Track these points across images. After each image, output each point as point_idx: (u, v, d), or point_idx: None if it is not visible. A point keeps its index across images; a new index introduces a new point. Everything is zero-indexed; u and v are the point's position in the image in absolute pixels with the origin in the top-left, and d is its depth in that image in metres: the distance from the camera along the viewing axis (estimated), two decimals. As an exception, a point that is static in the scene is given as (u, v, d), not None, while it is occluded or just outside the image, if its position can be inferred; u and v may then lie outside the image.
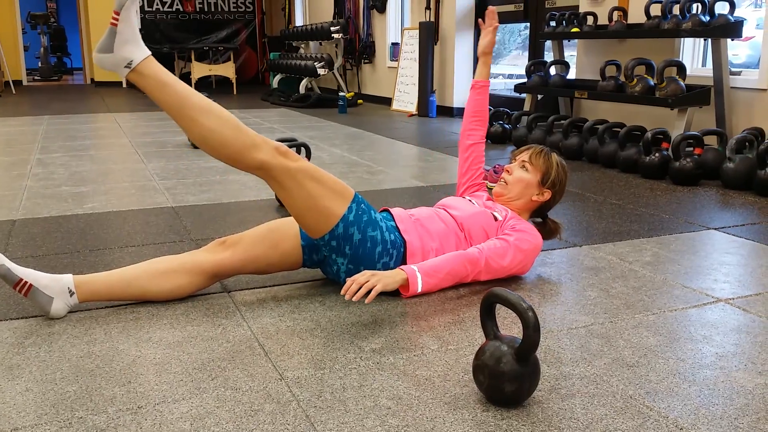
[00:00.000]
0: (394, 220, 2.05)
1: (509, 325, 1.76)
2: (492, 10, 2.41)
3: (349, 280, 1.78)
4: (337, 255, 1.93)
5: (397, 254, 1.96)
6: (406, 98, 7.77)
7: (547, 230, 2.25)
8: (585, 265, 2.28)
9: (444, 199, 2.27)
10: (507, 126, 5.15)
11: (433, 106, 7.14)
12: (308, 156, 3.84)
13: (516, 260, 2.02)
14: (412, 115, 7.33)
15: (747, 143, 3.53)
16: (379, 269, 1.93)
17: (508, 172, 2.19)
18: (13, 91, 10.31)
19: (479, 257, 1.95)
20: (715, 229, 2.73)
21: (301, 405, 1.37)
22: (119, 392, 1.43)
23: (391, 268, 1.94)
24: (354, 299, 1.75)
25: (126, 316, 1.84)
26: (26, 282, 1.76)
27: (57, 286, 1.79)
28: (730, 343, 1.67)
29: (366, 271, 1.82)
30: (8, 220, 2.87)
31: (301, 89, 8.85)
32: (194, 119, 1.79)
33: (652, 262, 2.31)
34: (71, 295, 1.81)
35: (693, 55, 4.43)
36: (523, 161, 2.18)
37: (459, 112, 7.12)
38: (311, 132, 5.89)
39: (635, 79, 4.10)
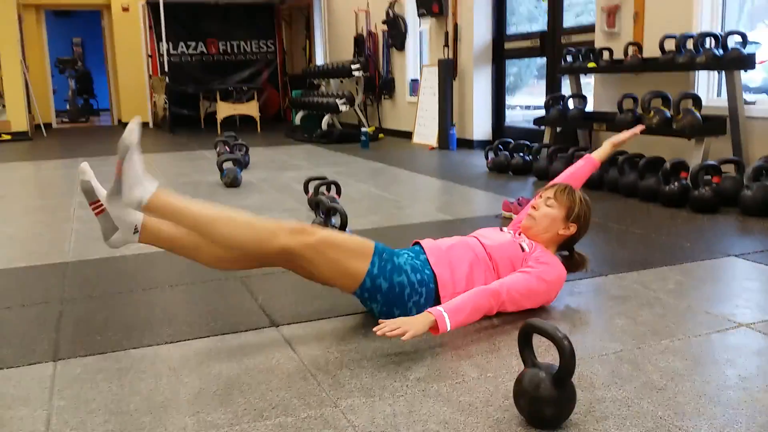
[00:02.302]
0: (425, 252, 2.18)
1: (543, 353, 1.88)
2: (642, 127, 2.94)
3: (381, 325, 1.84)
4: (371, 302, 2.07)
5: (426, 291, 2.08)
6: (426, 132, 7.96)
7: (574, 263, 2.37)
8: (611, 294, 2.39)
9: (479, 230, 2.40)
10: (527, 158, 5.29)
11: (453, 139, 7.31)
12: (338, 192, 4.01)
13: (539, 291, 2.14)
14: (433, 148, 7.50)
15: (764, 171, 3.64)
16: (410, 307, 2.05)
17: (535, 208, 2.32)
18: (44, 134, 10.65)
19: (500, 290, 2.05)
20: (736, 256, 2.83)
21: (357, 430, 1.50)
22: (189, 421, 1.57)
23: (422, 305, 2.05)
24: (386, 337, 1.82)
25: (186, 351, 1.98)
26: (101, 204, 1.91)
27: (127, 219, 1.93)
28: (752, 366, 1.77)
29: (398, 318, 1.87)
30: (62, 262, 3.04)
31: (324, 125, 9.08)
32: (211, 232, 1.98)
33: (675, 289, 2.42)
34: (134, 233, 1.94)
35: (708, 86, 4.56)
36: (549, 197, 2.31)
37: (479, 145, 7.28)
38: (337, 168, 6.07)
39: (652, 111, 4.24)
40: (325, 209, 3.19)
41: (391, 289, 2.04)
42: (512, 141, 5.53)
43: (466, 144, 7.39)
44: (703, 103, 4.41)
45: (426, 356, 1.89)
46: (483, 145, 7.28)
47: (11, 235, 3.67)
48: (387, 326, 1.84)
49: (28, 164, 7.06)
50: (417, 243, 2.27)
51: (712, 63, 4.13)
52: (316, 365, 1.86)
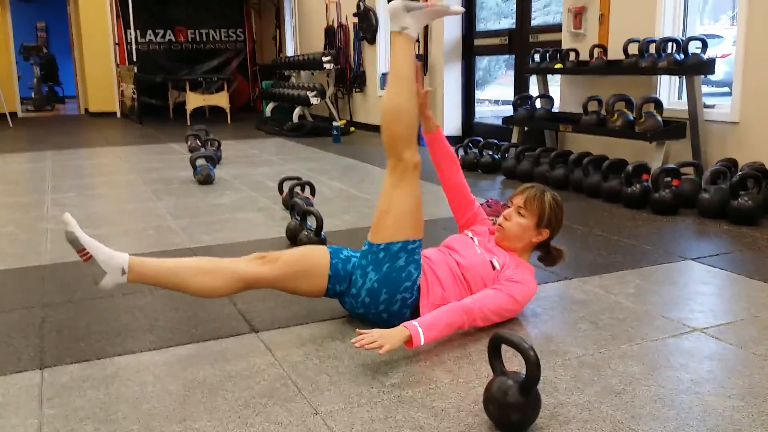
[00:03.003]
0: None
1: (512, 358, 1.99)
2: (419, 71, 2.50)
3: (359, 336, 1.93)
4: (372, 268, 2.16)
5: (416, 296, 2.18)
6: (397, 126, 8.03)
7: (552, 258, 2.46)
8: (575, 299, 2.52)
9: (449, 239, 2.49)
10: (496, 156, 5.42)
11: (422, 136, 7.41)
12: (312, 193, 4.09)
13: (510, 309, 2.24)
14: (404, 143, 7.59)
15: (721, 175, 3.81)
16: (397, 299, 2.15)
17: (507, 218, 2.40)
18: (10, 124, 10.48)
19: (473, 308, 2.13)
20: (692, 259, 2.99)
21: (337, 436, 1.60)
22: (177, 429, 1.65)
23: (408, 305, 2.16)
24: (364, 349, 1.92)
25: (169, 358, 2.06)
26: (88, 252, 2.00)
27: (112, 263, 2.02)
28: (704, 370, 1.91)
29: (374, 331, 1.95)
30: (39, 265, 3.08)
31: (295, 118, 9.10)
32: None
33: (635, 293, 2.56)
34: (122, 275, 2.03)
35: (669, 89, 4.73)
36: (519, 207, 2.40)
37: (448, 140, 7.38)
38: (309, 164, 6.14)
39: (615, 114, 4.39)
40: (301, 212, 3.27)
41: (400, 271, 2.15)
42: (481, 140, 5.66)
43: (436, 139, 7.50)
44: (665, 105, 4.58)
45: (401, 362, 2.00)
46: (453, 141, 7.39)
47: (-16, 235, 3.67)
48: (365, 339, 1.92)
49: (-5, 157, 6.98)
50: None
51: (674, 68, 4.29)
52: (296, 372, 1.95)
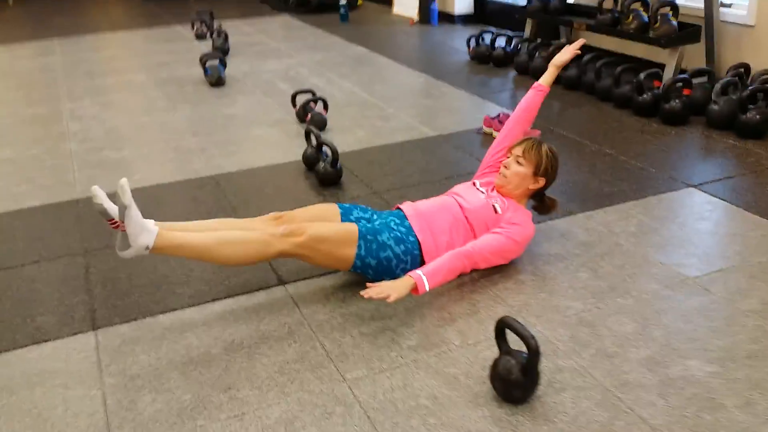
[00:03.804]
0: (407, 218, 2.43)
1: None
2: (582, 41, 2.86)
3: (367, 289, 2.12)
4: (364, 273, 2.35)
5: (411, 258, 2.35)
6: (407, 2, 7.81)
7: (545, 207, 2.64)
8: (579, 240, 2.69)
9: (456, 186, 2.64)
10: (508, 49, 5.35)
11: (434, 14, 7.23)
12: (325, 107, 4.15)
13: (510, 249, 2.43)
14: (414, 22, 7.42)
15: (731, 86, 3.81)
16: (398, 274, 2.32)
17: (506, 167, 2.53)
18: (10, 3, 10.20)
19: (473, 251, 2.32)
20: (695, 186, 3.11)
21: (362, 406, 1.85)
22: (224, 399, 1.90)
23: (410, 270, 2.33)
24: (372, 299, 2.14)
25: (208, 316, 2.28)
26: (117, 222, 2.12)
27: (139, 241, 2.10)
28: (690, 329, 2.11)
29: (381, 283, 2.15)
30: (72, 200, 3.25)
31: (301, -10, 8.80)
32: (214, 257, 2.23)
33: (636, 232, 2.72)
34: (146, 250, 2.13)
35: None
36: (518, 156, 2.53)
37: (460, 20, 7.21)
38: (318, 54, 6.08)
39: (631, 16, 4.30)
40: (317, 143, 3.37)
41: (380, 264, 2.32)
42: (494, 31, 5.55)
43: (448, 18, 7.32)
44: (682, 2, 4.46)
45: (416, 319, 2.21)
46: (464, 20, 7.23)
47: (12, 159, 3.82)
48: (373, 290, 2.11)
49: (1, 49, 6.93)
50: (398, 208, 2.51)
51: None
52: (323, 332, 2.17)
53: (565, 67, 4.60)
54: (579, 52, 2.84)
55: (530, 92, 2.76)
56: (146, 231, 2.12)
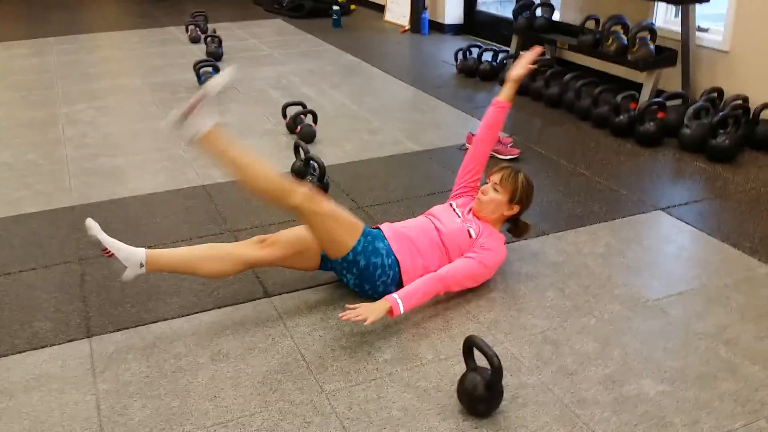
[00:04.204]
0: (386, 239, 2.57)
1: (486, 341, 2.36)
2: (539, 50, 2.88)
3: (346, 312, 2.26)
4: (347, 272, 2.50)
5: (393, 274, 2.50)
6: (398, 10, 7.95)
7: (519, 231, 2.80)
8: (549, 260, 2.84)
9: (434, 208, 2.79)
10: (495, 63, 5.51)
11: (425, 23, 7.38)
12: (315, 120, 4.28)
13: (481, 274, 2.58)
14: (405, 30, 7.57)
15: (703, 111, 3.99)
16: (378, 285, 2.48)
17: (484, 193, 2.69)
18: (4, -5, 10.25)
19: (447, 276, 2.47)
20: (663, 209, 3.28)
21: (338, 417, 1.99)
22: (210, 406, 2.04)
23: (388, 284, 2.48)
24: (350, 321, 2.28)
25: (197, 326, 2.42)
26: (110, 251, 2.34)
27: (132, 259, 2.35)
28: (647, 350, 2.27)
29: (360, 305, 2.28)
30: (68, 206, 3.38)
31: (295, -6, 8.93)
32: (246, 173, 2.39)
33: (603, 253, 2.88)
34: (141, 267, 2.37)
35: (666, 9, 4.75)
36: (495, 183, 2.68)
37: (450, 29, 7.37)
38: (309, 63, 6.21)
39: (611, 39, 4.47)
40: (305, 157, 3.51)
41: (366, 267, 2.46)
42: (481, 45, 5.71)
43: (438, 27, 7.47)
44: (661, 24, 4.64)
45: (392, 335, 2.36)
46: (454, 29, 7.38)
47: (11, 164, 3.93)
48: (351, 313, 2.25)
49: (-2, 47, 7.02)
50: (378, 228, 2.66)
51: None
52: (304, 344, 2.32)
53: (548, 84, 4.78)
54: (534, 66, 2.90)
55: (490, 109, 2.84)
56: (135, 252, 2.36)
